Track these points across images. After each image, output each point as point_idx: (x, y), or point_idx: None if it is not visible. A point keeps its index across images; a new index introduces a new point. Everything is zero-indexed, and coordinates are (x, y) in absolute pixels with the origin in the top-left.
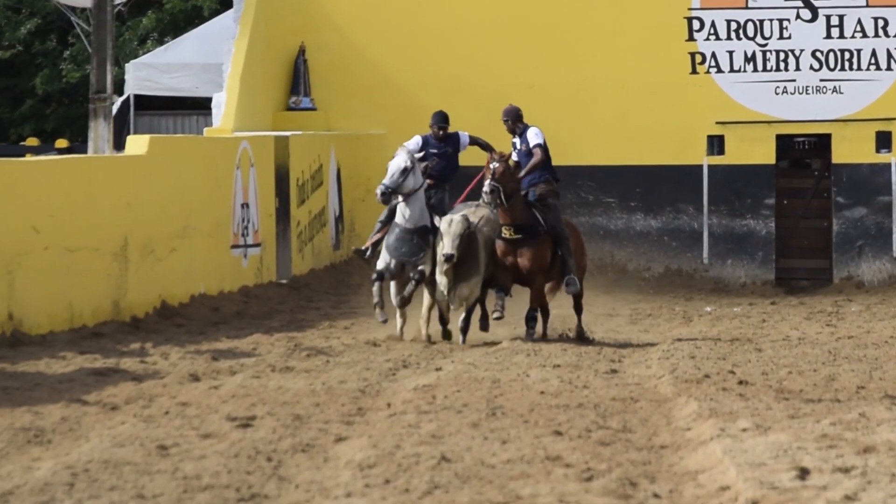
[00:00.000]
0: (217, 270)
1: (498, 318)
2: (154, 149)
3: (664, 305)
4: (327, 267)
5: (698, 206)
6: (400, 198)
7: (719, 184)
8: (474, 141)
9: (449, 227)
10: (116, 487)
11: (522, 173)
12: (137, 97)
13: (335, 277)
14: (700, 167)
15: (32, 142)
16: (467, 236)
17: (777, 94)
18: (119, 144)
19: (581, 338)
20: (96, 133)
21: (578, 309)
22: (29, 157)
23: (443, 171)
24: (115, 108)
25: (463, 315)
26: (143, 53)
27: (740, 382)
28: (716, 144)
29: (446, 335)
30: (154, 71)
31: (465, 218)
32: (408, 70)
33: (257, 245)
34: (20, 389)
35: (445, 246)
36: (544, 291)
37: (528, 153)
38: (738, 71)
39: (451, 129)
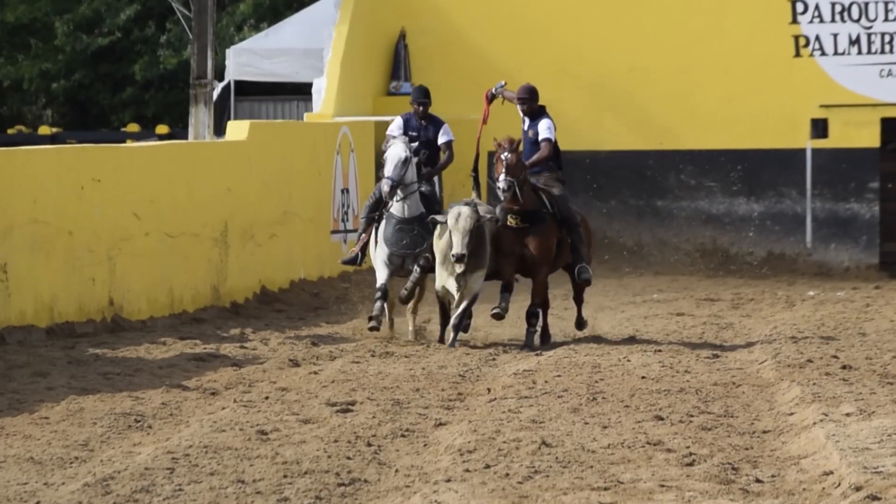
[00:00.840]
0: (317, 256)
1: (497, 316)
2: (254, 134)
3: (766, 290)
4: None
5: (801, 190)
6: (399, 194)
7: (823, 167)
8: (448, 146)
9: (457, 222)
10: (216, 472)
11: (527, 163)
12: (238, 83)
13: None
14: (803, 151)
15: (133, 128)
16: (476, 231)
17: (882, 76)
18: (219, 130)
19: (580, 326)
20: (197, 119)
21: (579, 300)
22: (130, 143)
23: (429, 158)
24: (215, 94)
25: (457, 312)
26: (240, 40)
27: (844, 367)
28: (819, 128)
29: (456, 334)
30: (255, 56)
31: (475, 210)
32: (508, 54)
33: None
34: (121, 375)
35: (455, 245)
36: (547, 285)
37: (535, 143)
38: (843, 54)
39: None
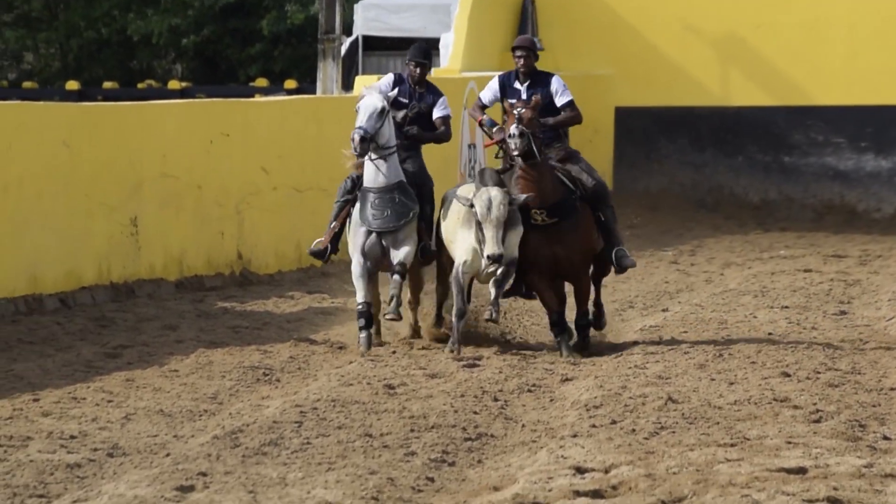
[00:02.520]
0: None
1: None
2: None
3: (894, 247)
4: None
5: None
6: (372, 155)
7: None
8: (444, 121)
9: (489, 211)
10: (344, 426)
11: (552, 122)
12: (366, 38)
13: None
14: None
15: (261, 82)
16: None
17: None
18: (347, 85)
19: (600, 325)
20: (325, 74)
21: (599, 289)
22: (258, 98)
23: (419, 130)
24: (343, 49)
25: (494, 295)
26: None
27: None
28: None
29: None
30: (382, 11)
31: (506, 193)
32: (636, 10)
33: None
34: (249, 329)
35: (489, 242)
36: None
37: (547, 108)
38: None
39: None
